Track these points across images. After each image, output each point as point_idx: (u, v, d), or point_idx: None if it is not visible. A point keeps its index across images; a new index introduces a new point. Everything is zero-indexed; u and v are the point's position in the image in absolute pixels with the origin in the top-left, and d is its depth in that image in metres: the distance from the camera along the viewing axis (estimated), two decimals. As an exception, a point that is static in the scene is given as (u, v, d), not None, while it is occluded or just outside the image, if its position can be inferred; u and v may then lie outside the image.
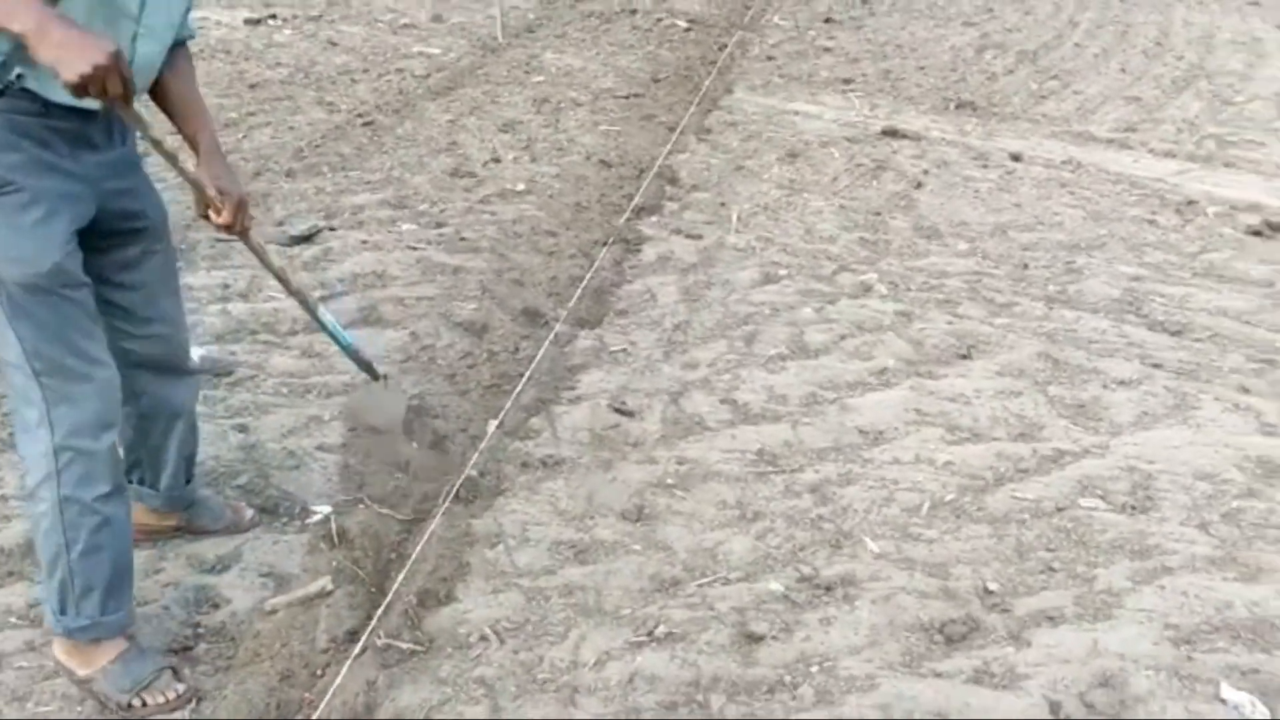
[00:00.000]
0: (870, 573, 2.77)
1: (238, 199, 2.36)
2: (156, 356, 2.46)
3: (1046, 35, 9.37)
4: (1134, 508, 3.05)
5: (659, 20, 9.58)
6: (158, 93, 2.35)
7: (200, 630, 2.54)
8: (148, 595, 2.60)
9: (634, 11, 9.93)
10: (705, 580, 2.73)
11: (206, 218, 2.37)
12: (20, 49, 1.86)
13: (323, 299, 4.10)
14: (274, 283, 2.70)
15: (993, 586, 2.73)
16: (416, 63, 7.93)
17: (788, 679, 2.43)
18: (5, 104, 2.03)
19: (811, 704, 2.35)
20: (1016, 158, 6.06)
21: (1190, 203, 5.49)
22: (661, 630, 2.55)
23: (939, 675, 2.43)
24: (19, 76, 2.00)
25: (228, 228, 2.36)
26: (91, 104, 1.99)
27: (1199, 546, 2.88)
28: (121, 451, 2.25)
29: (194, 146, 2.37)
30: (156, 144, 2.15)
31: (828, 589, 2.71)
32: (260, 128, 6.23)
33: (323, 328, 2.75)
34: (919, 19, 9.91)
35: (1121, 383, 3.71)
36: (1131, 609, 2.64)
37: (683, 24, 9.42)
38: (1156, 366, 3.83)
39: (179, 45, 2.36)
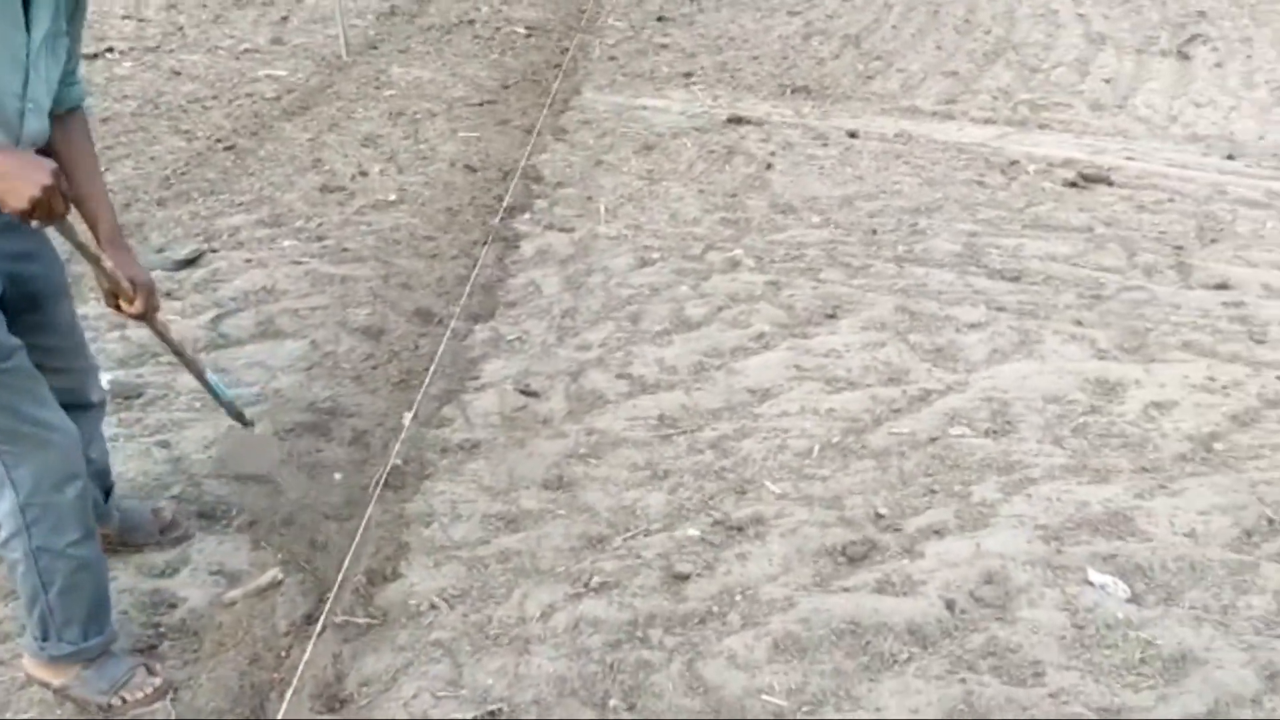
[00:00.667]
0: (775, 511, 3.06)
1: (147, 287, 2.38)
2: (70, 393, 2.45)
3: (866, 20, 9.91)
4: (996, 432, 3.43)
5: (498, 29, 9.77)
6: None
7: (162, 629, 2.66)
8: (105, 604, 2.72)
9: (472, 22, 10.09)
10: (629, 534, 2.99)
11: (117, 307, 2.39)
12: None
13: (218, 317, 4.21)
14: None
15: (883, 511, 3.06)
16: (265, 85, 7.94)
17: (715, 609, 2.70)
18: None
19: (739, 627, 2.63)
20: (853, 134, 6.49)
21: (1013, 163, 6.00)
22: (596, 581, 2.79)
23: (847, 590, 2.74)
24: None
25: (140, 315, 2.40)
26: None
27: (1055, 458, 3.27)
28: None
29: (93, 229, 2.35)
30: (81, 248, 2.19)
31: (739, 529, 2.99)
32: (120, 160, 6.20)
33: (206, 387, 2.86)
34: (746, 11, 10.34)
35: (972, 326, 4.11)
36: (1005, 516, 3.00)
37: (522, 31, 9.63)
38: (1000, 309, 4.25)
39: (74, 111, 2.34)
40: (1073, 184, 5.62)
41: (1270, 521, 2.96)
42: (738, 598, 2.73)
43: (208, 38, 9.80)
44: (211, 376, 2.85)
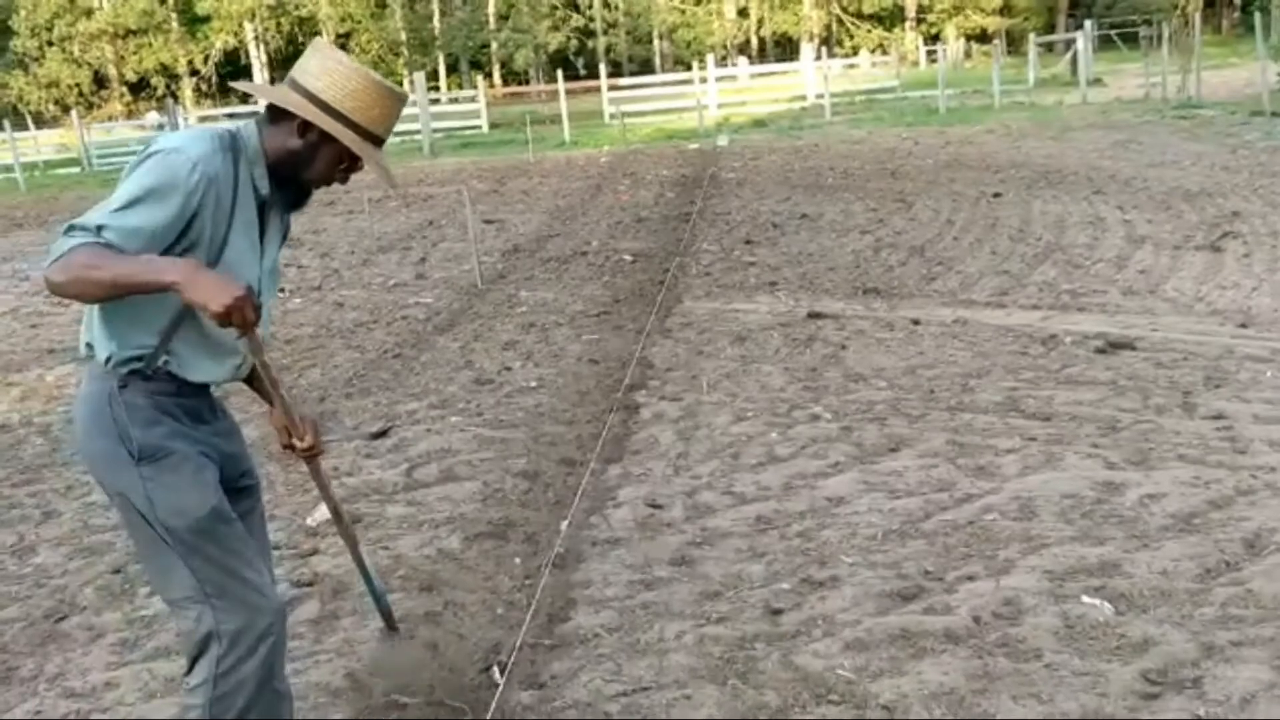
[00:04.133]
0: (848, 573, 4.06)
1: (314, 425, 2.72)
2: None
3: (930, 234, 11.25)
4: (1021, 518, 4.40)
5: (608, 258, 11.33)
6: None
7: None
8: None
9: (585, 254, 11.69)
10: (737, 589, 4.00)
11: (290, 447, 2.71)
12: (169, 338, 2.42)
13: (410, 469, 5.42)
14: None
15: (929, 569, 4.03)
16: (416, 310, 9.48)
17: (803, 629, 3.68)
18: (151, 386, 2.46)
19: (820, 638, 3.60)
20: (916, 322, 7.65)
21: (1052, 336, 7.07)
22: (715, 616, 3.80)
23: (900, 614, 3.71)
24: (165, 362, 2.45)
25: (310, 449, 2.69)
26: (227, 343, 2.47)
27: (1065, 531, 4.23)
28: None
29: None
30: (265, 367, 2.53)
31: (820, 583, 3.99)
32: (309, 369, 7.65)
33: (362, 573, 3.01)
34: (823, 233, 11.78)
35: (1008, 450, 5.12)
36: (1021, 567, 3.95)
37: (629, 258, 11.16)
38: (1032, 439, 5.25)
39: None
40: (1101, 350, 6.65)
41: (1227, 564, 3.86)
42: (819, 622, 3.71)
43: (360, 277, 11.51)
44: (368, 561, 3.00)
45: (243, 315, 2.21)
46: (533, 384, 6.85)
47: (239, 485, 2.68)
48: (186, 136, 2.41)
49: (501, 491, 5.10)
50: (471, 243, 11.12)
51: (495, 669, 3.54)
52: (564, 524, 4.65)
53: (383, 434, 6.01)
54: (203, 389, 2.57)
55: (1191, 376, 6.09)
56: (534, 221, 14.51)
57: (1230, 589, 3.69)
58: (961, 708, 3.14)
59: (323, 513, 4.86)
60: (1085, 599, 3.69)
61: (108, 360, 2.44)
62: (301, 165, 2.51)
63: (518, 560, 4.39)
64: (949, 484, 4.82)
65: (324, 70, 2.47)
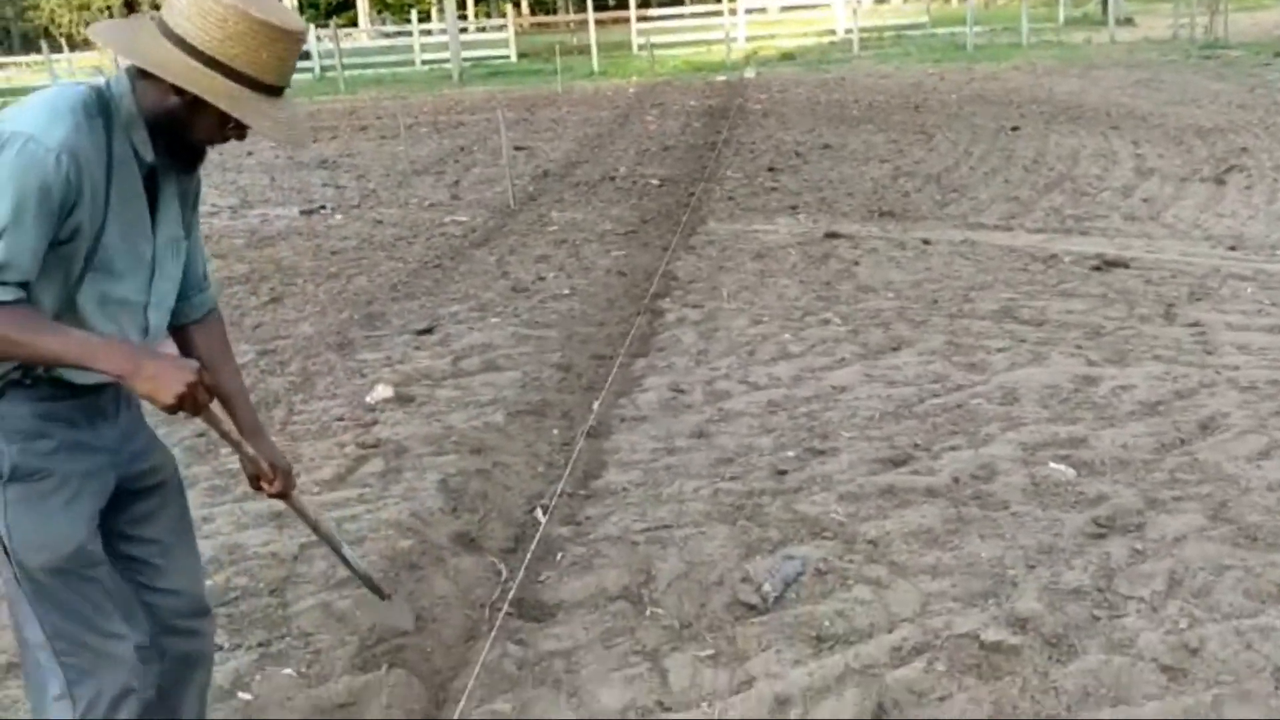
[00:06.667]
0: (846, 444, 4.60)
1: (285, 470, 2.48)
2: (176, 610, 2.42)
3: (947, 163, 11.66)
4: (1004, 403, 4.92)
5: (635, 182, 11.81)
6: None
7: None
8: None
9: (613, 179, 12.16)
10: (748, 456, 4.56)
11: (258, 488, 2.47)
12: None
13: (456, 359, 5.97)
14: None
15: (919, 442, 4.57)
16: (453, 227, 10.00)
17: (803, 487, 4.23)
18: (34, 393, 2.10)
19: (819, 492, 4.15)
20: (927, 242, 8.12)
21: (1052, 256, 7.54)
22: (728, 476, 4.36)
23: (890, 476, 4.25)
24: (45, 370, 2.08)
25: (280, 494, 2.48)
26: (125, 332, 2.16)
27: (1041, 415, 4.75)
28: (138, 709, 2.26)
29: (236, 421, 2.42)
30: (225, 435, 2.31)
31: (822, 452, 4.54)
32: (355, 276, 8.20)
33: (343, 561, 2.90)
34: (844, 162, 12.20)
35: (999, 350, 5.63)
36: (999, 441, 4.48)
37: (655, 183, 11.63)
38: (1022, 341, 5.76)
39: (209, 315, 2.46)
40: (1097, 268, 7.12)
41: (1182, 441, 4.39)
42: (818, 480, 4.26)
43: (396, 197, 12.02)
44: (347, 550, 2.88)
45: (194, 401, 2.02)
46: (565, 292, 7.38)
47: (144, 484, 2.35)
48: (40, 114, 2.01)
49: (539, 379, 5.65)
50: (505, 164, 11.61)
51: (538, 510, 4.12)
52: (595, 404, 5.21)
53: (428, 331, 6.57)
54: (100, 386, 2.17)
55: (1177, 291, 6.56)
56: (563, 148, 14.96)
57: (1180, 459, 4.22)
58: (936, 544, 3.69)
59: (380, 393, 5.45)
60: (1052, 464, 4.23)
61: None
62: (181, 127, 2.12)
63: (555, 432, 4.96)
64: (943, 376, 5.34)
65: (196, 10, 2.03)
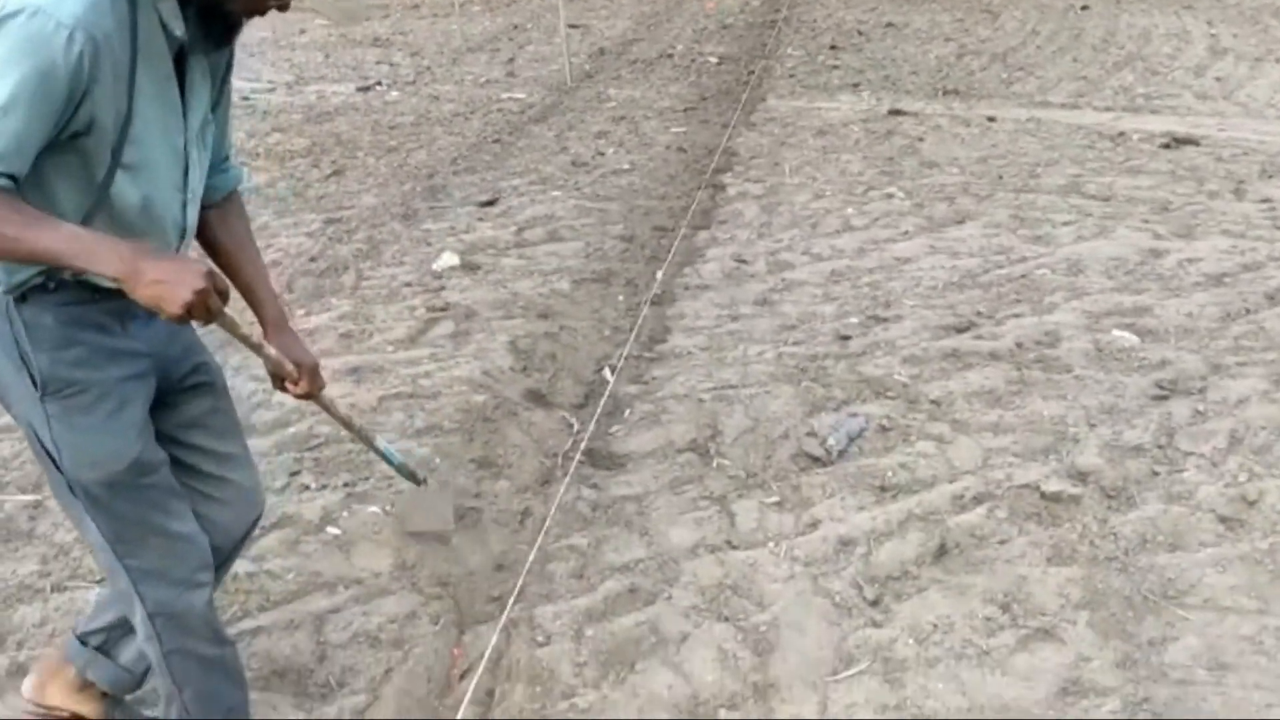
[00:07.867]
0: (909, 312, 4.64)
1: (312, 369, 2.30)
2: (230, 519, 2.32)
3: (1014, 42, 11.39)
4: (1069, 273, 4.92)
5: (693, 60, 11.65)
6: (219, 259, 2.24)
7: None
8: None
9: (670, 56, 12.01)
10: (811, 323, 4.61)
11: (283, 388, 2.32)
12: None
13: (519, 230, 6.04)
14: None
15: (982, 309, 4.60)
16: (510, 104, 9.97)
17: (867, 352, 4.29)
18: (57, 298, 1.92)
19: (881, 357, 4.21)
20: (992, 119, 8.01)
21: (1121, 134, 7.42)
22: (791, 341, 4.43)
23: (954, 341, 4.29)
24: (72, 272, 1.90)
25: (306, 395, 2.33)
26: (154, 231, 1.95)
27: (1107, 285, 4.75)
28: None
29: (258, 314, 2.28)
30: (243, 340, 2.11)
31: (885, 319, 4.58)
32: (415, 150, 8.25)
33: (377, 453, 2.83)
34: (907, 41, 11.95)
35: (1065, 223, 5.60)
36: (1063, 309, 4.51)
37: (714, 60, 11.48)
38: (1088, 215, 5.72)
39: (230, 197, 2.27)
40: (1166, 145, 7.01)
41: (1247, 310, 4.38)
42: (882, 345, 4.32)
43: (451, 74, 11.94)
44: (381, 442, 2.80)
45: (206, 308, 1.80)
46: (625, 167, 7.39)
47: (189, 384, 2.22)
48: None
49: (602, 250, 5.71)
50: (561, 42, 11.50)
51: (607, 370, 4.23)
52: (659, 273, 5.27)
53: (491, 203, 6.62)
54: None
55: (1247, 169, 6.45)
56: (619, 26, 14.75)
57: (1245, 327, 4.23)
58: (999, 403, 3.76)
59: (445, 261, 5.54)
60: (1116, 331, 4.25)
61: None
62: None
63: (620, 299, 5.04)
64: (1007, 249, 5.33)
65: None
